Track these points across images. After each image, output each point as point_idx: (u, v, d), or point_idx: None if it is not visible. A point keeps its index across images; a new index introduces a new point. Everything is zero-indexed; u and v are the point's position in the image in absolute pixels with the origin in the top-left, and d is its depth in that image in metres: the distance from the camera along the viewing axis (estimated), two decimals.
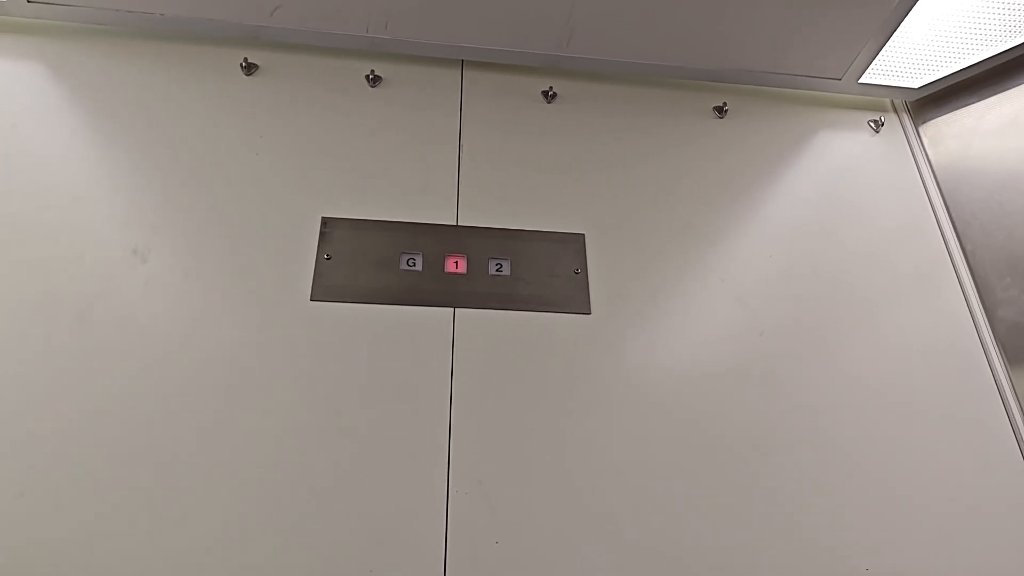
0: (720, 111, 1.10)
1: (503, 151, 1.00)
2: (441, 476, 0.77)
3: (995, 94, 1.06)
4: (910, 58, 1.04)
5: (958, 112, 1.10)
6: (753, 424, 0.86)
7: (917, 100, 1.15)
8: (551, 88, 1.05)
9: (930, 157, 1.11)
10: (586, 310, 0.90)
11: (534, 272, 0.91)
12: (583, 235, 0.95)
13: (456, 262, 0.90)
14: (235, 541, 0.71)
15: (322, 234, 0.89)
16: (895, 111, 1.18)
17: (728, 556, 0.78)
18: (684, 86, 1.12)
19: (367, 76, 1.01)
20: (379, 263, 0.88)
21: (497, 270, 0.91)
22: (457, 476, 0.77)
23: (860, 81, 1.07)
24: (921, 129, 1.14)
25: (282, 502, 0.73)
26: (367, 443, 0.77)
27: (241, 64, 0.98)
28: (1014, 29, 0.97)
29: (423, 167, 0.96)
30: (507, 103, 1.04)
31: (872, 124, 1.14)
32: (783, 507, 0.82)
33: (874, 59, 1.02)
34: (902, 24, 0.96)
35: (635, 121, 1.07)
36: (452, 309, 0.87)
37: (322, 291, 0.85)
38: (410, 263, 0.89)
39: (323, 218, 0.90)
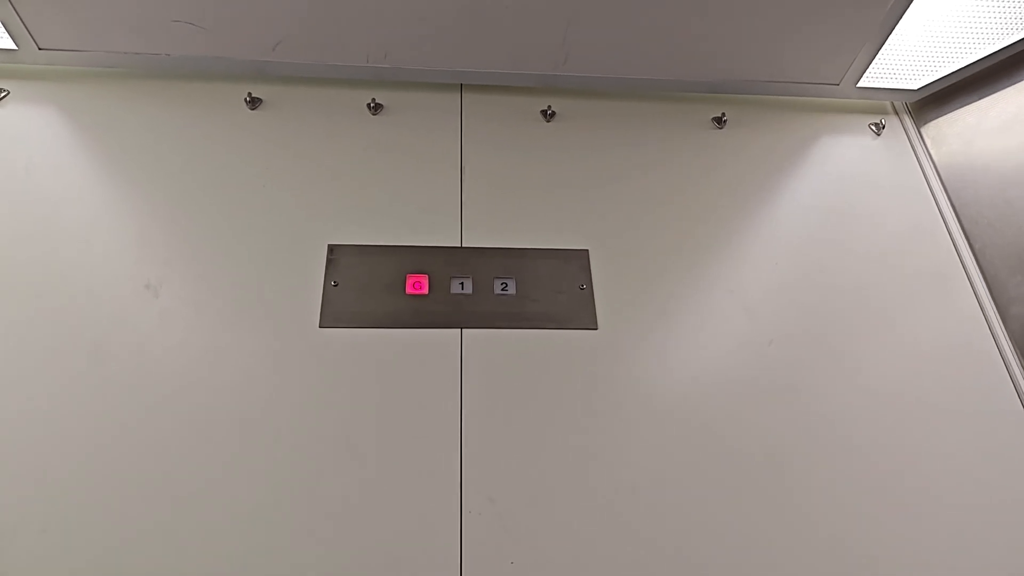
0: (719, 122, 1.10)
1: (504, 171, 1.01)
2: (454, 497, 0.77)
3: (996, 91, 1.05)
4: (908, 59, 1.04)
5: (959, 111, 1.09)
6: (767, 434, 0.86)
7: (917, 101, 1.15)
8: (549, 107, 1.06)
9: (933, 157, 1.11)
10: (592, 325, 0.90)
11: (540, 289, 0.92)
12: (587, 251, 0.95)
13: (462, 283, 0.91)
14: (252, 568, 0.71)
15: (329, 261, 0.90)
16: (896, 113, 1.17)
17: (747, 566, 0.77)
18: (681, 98, 1.12)
19: (368, 104, 1.02)
20: (386, 287, 0.89)
21: (503, 289, 0.91)
22: (470, 496, 0.77)
23: (859, 85, 1.07)
24: (923, 130, 1.14)
25: (297, 528, 0.74)
26: (380, 466, 0.78)
27: (245, 99, 1.00)
28: (1011, 26, 0.97)
29: (426, 191, 0.97)
30: (506, 124, 1.06)
31: (873, 127, 1.14)
32: (802, 515, 0.81)
33: (871, 62, 1.02)
34: (898, 26, 0.95)
35: (634, 135, 1.08)
36: (459, 330, 0.88)
37: (331, 318, 0.86)
38: (416, 286, 0.90)
39: (329, 245, 0.91)
